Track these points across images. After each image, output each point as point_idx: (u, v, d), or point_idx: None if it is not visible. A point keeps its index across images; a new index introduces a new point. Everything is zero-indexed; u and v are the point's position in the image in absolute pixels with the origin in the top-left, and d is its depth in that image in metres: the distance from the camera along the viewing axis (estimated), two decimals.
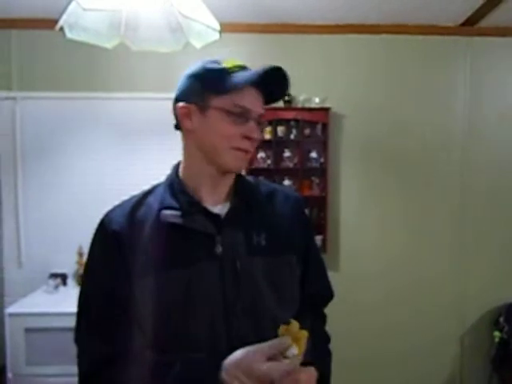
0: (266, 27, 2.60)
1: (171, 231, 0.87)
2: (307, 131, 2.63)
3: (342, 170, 2.67)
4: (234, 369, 0.77)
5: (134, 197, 0.96)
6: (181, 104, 0.90)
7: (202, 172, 0.92)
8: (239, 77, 0.87)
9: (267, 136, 2.62)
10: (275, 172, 2.65)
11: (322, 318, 1.11)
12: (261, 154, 2.65)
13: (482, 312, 2.73)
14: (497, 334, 2.55)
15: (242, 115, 0.87)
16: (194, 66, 0.93)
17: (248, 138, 0.88)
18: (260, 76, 0.86)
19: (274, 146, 2.63)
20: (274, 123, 2.61)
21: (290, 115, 2.61)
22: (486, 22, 2.56)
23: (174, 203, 0.89)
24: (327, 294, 1.09)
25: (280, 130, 2.63)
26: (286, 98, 2.56)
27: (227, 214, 0.92)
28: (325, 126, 2.60)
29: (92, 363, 0.86)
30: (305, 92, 2.59)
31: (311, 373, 0.83)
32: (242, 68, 0.90)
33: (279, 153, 2.66)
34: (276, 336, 0.81)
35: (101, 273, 0.89)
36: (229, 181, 0.95)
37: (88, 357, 0.87)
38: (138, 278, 0.85)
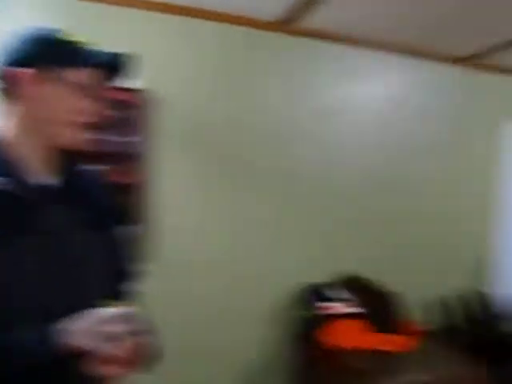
0: None
1: None
2: (124, 113, 2.47)
3: (164, 156, 2.47)
4: (81, 329, 0.78)
5: None
6: (24, 69, 0.86)
7: (33, 142, 0.90)
8: (91, 55, 0.90)
9: None
10: (90, 155, 2.36)
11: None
12: None
13: (289, 291, 2.90)
14: (300, 312, 2.80)
15: (88, 91, 0.90)
16: (38, 30, 0.90)
17: (85, 112, 0.91)
18: (111, 59, 0.92)
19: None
20: None
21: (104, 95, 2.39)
22: (303, 24, 2.59)
23: (2, 170, 0.85)
24: (131, 270, 1.14)
25: None
26: None
27: (56, 187, 0.92)
28: (143, 109, 2.47)
29: None
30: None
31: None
32: (83, 43, 0.92)
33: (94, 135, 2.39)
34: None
35: None
36: (57, 156, 0.95)
37: None
38: None
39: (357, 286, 2.90)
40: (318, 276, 2.92)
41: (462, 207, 3.41)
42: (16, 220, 0.84)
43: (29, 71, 0.86)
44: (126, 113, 2.44)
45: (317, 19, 2.55)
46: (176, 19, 2.48)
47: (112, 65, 0.93)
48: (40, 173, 0.91)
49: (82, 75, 0.89)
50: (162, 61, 2.47)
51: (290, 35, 2.70)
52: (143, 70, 2.38)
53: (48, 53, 0.88)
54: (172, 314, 2.43)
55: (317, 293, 2.88)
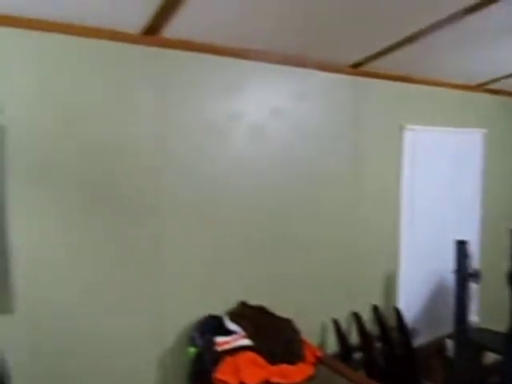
0: None
1: None
2: None
3: (9, 190, 2.13)
4: None
5: None
6: None
7: None
8: None
9: None
10: None
11: None
12: None
13: (179, 330, 2.70)
14: (192, 349, 2.57)
15: None
16: None
17: None
18: None
19: None
20: None
21: None
22: (169, 33, 2.43)
23: None
24: None
25: None
26: None
27: None
28: None
29: None
30: None
31: None
32: None
33: None
34: None
35: None
36: None
37: None
38: None
39: (249, 316, 2.73)
40: (205, 309, 2.74)
41: (367, 222, 3.47)
42: None
43: None
44: None
45: (183, 29, 2.41)
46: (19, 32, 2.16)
47: None
48: None
49: None
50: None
51: (156, 46, 2.50)
52: None
53: None
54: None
55: (210, 327, 2.67)
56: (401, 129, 3.59)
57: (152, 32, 2.42)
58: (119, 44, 2.40)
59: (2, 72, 2.14)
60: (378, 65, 3.22)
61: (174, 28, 2.39)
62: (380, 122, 3.48)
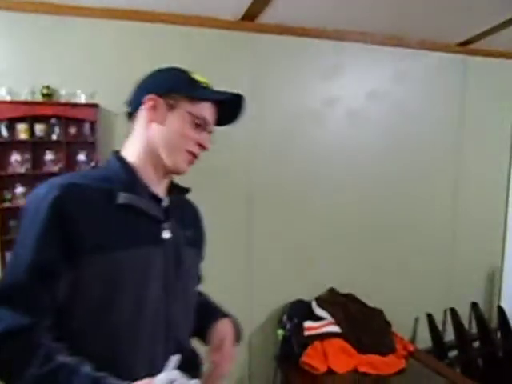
0: (12, 4, 2.14)
1: (123, 213, 0.90)
2: (73, 130, 2.28)
3: None
4: None
5: (80, 175, 0.98)
6: (150, 95, 0.96)
7: (152, 164, 0.97)
8: (209, 92, 0.99)
9: (22, 136, 2.18)
10: (35, 177, 2.21)
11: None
12: (15, 157, 2.18)
13: (267, 313, 2.75)
14: (280, 332, 2.62)
15: (201, 125, 0.97)
16: (165, 67, 1.03)
17: (202, 146, 0.98)
18: (227, 98, 0.98)
19: (32, 147, 2.20)
20: (30, 121, 2.19)
21: (50, 111, 2.20)
22: (265, 19, 2.46)
23: (130, 186, 0.93)
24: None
25: (39, 128, 2.20)
26: (45, 91, 2.20)
27: (169, 205, 1.01)
28: (93, 125, 2.29)
29: (4, 330, 0.78)
30: (68, 85, 2.22)
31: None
32: (208, 84, 1.00)
33: (40, 155, 2.23)
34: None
35: (45, 244, 0.83)
36: (169, 177, 1.04)
37: (2, 324, 0.79)
38: (85, 257, 0.84)
39: (338, 304, 2.70)
40: (298, 294, 2.76)
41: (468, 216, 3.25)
42: (143, 231, 0.93)
43: (159, 99, 0.95)
44: (78, 130, 2.30)
45: (280, 14, 2.41)
46: (118, 24, 2.33)
47: (235, 105, 1.01)
48: (157, 191, 0.99)
49: (206, 110, 0.97)
50: (109, 72, 2.34)
51: (255, 32, 2.53)
52: (91, 82, 2.28)
53: (179, 84, 0.97)
54: None
55: (298, 312, 2.70)
56: None
57: (250, 18, 2.46)
58: (218, 31, 2.48)
59: (105, 62, 2.33)
60: (490, 42, 2.93)
61: (271, 14, 2.40)
62: (489, 103, 3.18)
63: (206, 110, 0.98)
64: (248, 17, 2.45)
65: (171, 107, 0.96)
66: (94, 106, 2.26)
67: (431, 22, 2.65)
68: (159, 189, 1.01)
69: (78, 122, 2.27)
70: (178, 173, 1.00)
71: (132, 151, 0.99)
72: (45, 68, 2.23)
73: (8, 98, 2.16)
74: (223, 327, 1.07)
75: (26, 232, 0.85)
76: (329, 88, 2.73)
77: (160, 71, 1.02)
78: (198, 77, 1.01)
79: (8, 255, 2.32)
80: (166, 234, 0.96)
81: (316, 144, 2.76)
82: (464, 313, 3.19)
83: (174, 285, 0.97)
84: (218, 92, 0.99)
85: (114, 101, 2.30)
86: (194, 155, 0.99)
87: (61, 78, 2.22)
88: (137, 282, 0.90)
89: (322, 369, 2.36)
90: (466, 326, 3.15)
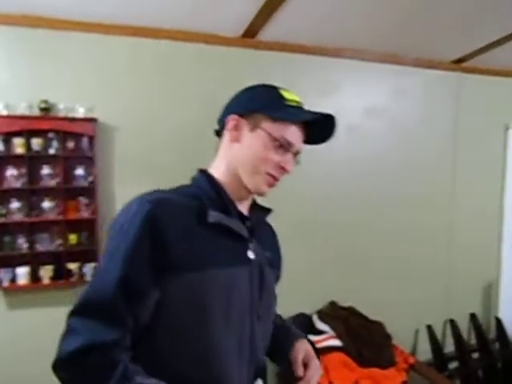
0: (10, 18, 2.15)
1: (213, 231, 0.89)
2: (71, 145, 2.26)
3: (117, 189, 2.32)
4: None
5: (170, 191, 0.95)
6: (233, 116, 0.94)
7: (235, 183, 0.96)
8: (294, 112, 0.94)
9: (19, 150, 2.16)
10: (32, 192, 2.18)
11: None
12: (11, 172, 2.16)
13: None
14: None
15: (284, 146, 0.92)
16: (255, 85, 1.00)
17: (283, 168, 0.94)
18: (315, 119, 0.92)
19: (29, 161, 2.18)
20: (27, 135, 2.17)
21: (47, 125, 2.18)
22: (265, 36, 2.50)
23: (218, 204, 0.93)
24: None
25: (36, 142, 2.18)
26: (43, 105, 2.18)
27: (251, 225, 0.99)
28: (92, 140, 2.27)
29: (86, 344, 0.77)
30: (67, 99, 2.21)
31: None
32: (297, 103, 0.96)
33: (36, 170, 2.21)
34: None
35: (136, 260, 0.82)
36: (252, 196, 1.02)
37: (84, 336, 0.77)
38: (174, 275, 0.83)
39: (339, 317, 2.68)
40: (299, 307, 2.77)
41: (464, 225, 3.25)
42: (232, 250, 0.93)
43: (241, 119, 0.94)
44: (76, 144, 2.28)
45: (282, 30, 2.44)
46: (119, 40, 2.34)
47: (326, 123, 0.96)
48: (241, 210, 0.99)
49: (290, 130, 0.93)
50: (107, 86, 2.34)
51: (254, 49, 2.57)
52: (89, 97, 2.27)
53: (262, 104, 0.94)
54: None
55: (300, 326, 2.66)
56: (506, 128, 3.31)
57: (251, 35, 2.50)
58: (219, 47, 2.51)
59: (104, 76, 2.33)
60: (483, 60, 3.00)
61: (271, 31, 2.44)
62: (482, 119, 3.23)
63: (290, 131, 0.93)
64: (248, 34, 2.48)
65: (252, 128, 0.93)
66: (93, 120, 2.25)
67: (427, 40, 2.70)
68: (243, 207, 1.00)
69: (77, 136, 2.25)
70: (259, 194, 0.98)
71: (217, 170, 0.98)
72: (43, 82, 2.21)
73: (5, 113, 2.13)
74: (304, 346, 1.08)
75: (117, 245, 0.83)
76: (327, 104, 2.75)
77: (248, 89, 1.00)
78: (287, 94, 0.97)
79: (2, 271, 2.28)
80: (251, 254, 0.95)
81: (314, 159, 2.76)
82: (463, 324, 3.19)
83: (258, 305, 0.96)
84: (303, 112, 0.95)
85: (112, 115, 2.32)
86: (275, 178, 0.95)
87: (59, 92, 2.22)
88: (226, 301, 0.88)
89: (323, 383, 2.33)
90: (465, 336, 3.15)
